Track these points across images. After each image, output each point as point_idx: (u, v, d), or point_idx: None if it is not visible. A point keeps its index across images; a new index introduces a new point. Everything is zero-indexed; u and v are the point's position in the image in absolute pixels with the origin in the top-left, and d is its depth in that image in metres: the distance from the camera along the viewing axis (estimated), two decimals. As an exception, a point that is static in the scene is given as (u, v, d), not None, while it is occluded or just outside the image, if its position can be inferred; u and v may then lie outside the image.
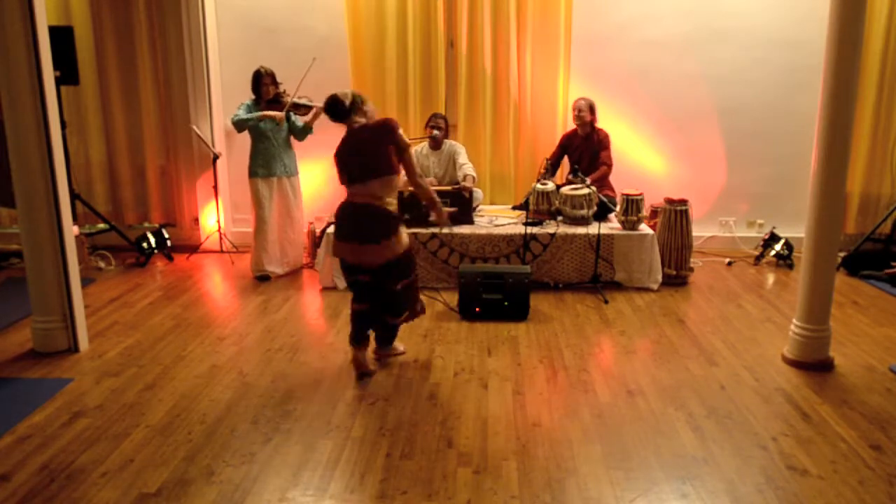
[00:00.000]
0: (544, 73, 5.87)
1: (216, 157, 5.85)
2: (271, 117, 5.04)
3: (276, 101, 5.14)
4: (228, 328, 4.23)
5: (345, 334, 4.11)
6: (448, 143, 5.51)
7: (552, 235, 4.95)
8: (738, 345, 3.97)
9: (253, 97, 5.15)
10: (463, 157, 5.41)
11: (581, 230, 4.99)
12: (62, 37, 5.18)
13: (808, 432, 2.97)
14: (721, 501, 2.49)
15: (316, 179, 6.13)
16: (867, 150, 5.85)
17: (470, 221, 5.19)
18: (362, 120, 3.44)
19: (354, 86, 5.91)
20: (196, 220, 6.19)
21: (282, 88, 5.19)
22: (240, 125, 5.04)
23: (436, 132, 5.35)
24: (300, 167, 5.41)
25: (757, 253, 5.80)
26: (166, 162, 6.21)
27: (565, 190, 5.16)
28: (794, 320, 3.68)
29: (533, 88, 5.90)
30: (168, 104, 6.04)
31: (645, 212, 5.19)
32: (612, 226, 5.12)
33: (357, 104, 3.42)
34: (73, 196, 5.23)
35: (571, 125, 5.64)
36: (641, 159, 6.07)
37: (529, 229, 4.94)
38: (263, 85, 5.08)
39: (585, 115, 5.42)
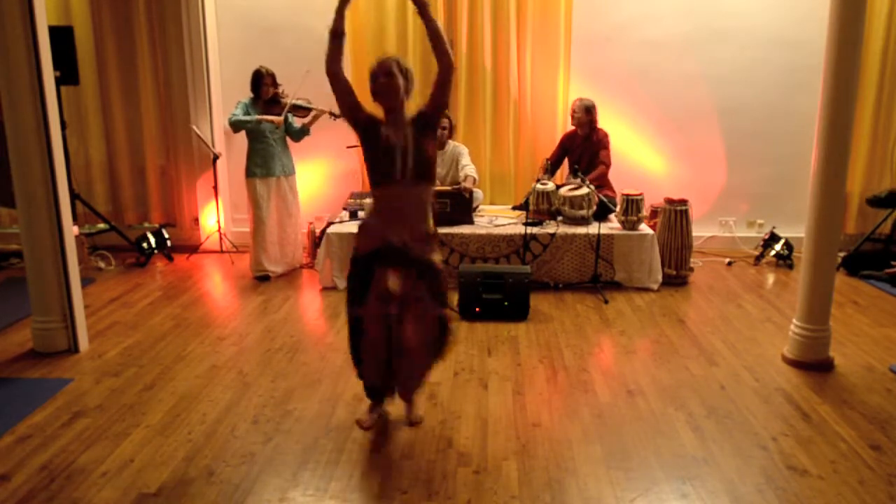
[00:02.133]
0: (544, 73, 5.87)
1: (216, 157, 5.85)
2: (269, 121, 5.04)
3: (275, 102, 5.13)
4: (228, 328, 4.23)
5: (344, 334, 4.10)
6: (452, 143, 5.52)
7: (552, 235, 4.95)
8: (738, 345, 3.97)
9: (251, 96, 5.15)
10: (466, 159, 5.42)
11: (581, 230, 4.99)
12: (62, 37, 5.17)
13: (808, 432, 2.97)
14: (721, 501, 2.49)
15: (315, 179, 6.13)
16: (867, 150, 5.85)
17: (470, 221, 5.19)
18: None
19: (354, 86, 5.89)
20: (196, 220, 6.18)
21: (281, 89, 5.19)
22: (237, 126, 5.04)
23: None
24: (298, 167, 5.41)
25: (757, 253, 5.79)
26: (166, 162, 6.21)
27: (565, 190, 5.16)
28: (794, 320, 3.67)
29: (533, 88, 5.90)
30: (168, 104, 6.04)
31: (645, 212, 5.19)
32: (612, 226, 5.12)
33: None
34: (73, 196, 5.23)
35: (571, 126, 5.64)
36: (641, 159, 6.07)
37: (529, 229, 4.94)
38: (263, 85, 5.08)
39: (581, 116, 5.42)
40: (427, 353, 2.88)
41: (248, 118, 5.00)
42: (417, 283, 2.78)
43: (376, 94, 2.80)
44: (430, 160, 2.79)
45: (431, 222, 2.87)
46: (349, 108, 2.81)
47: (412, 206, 2.78)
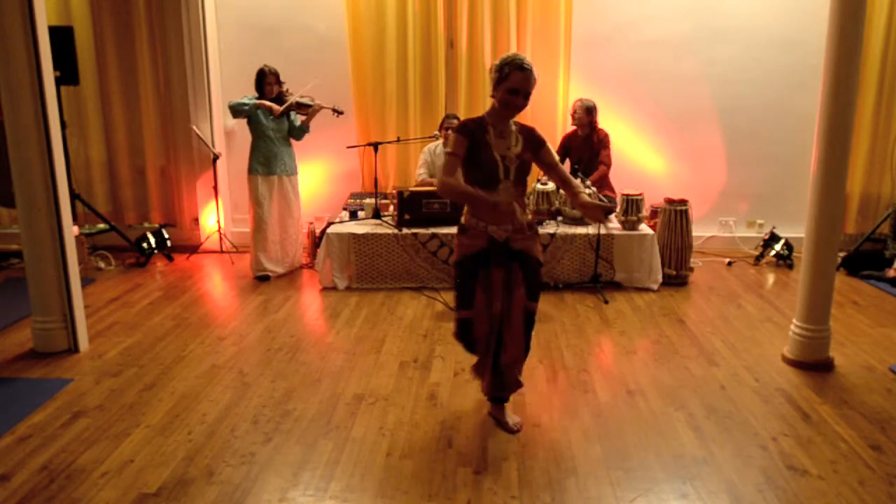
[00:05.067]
0: (544, 73, 5.86)
1: (216, 157, 5.85)
2: (268, 108, 5.03)
3: (279, 101, 5.13)
4: (228, 328, 4.23)
5: (345, 334, 4.12)
6: None
7: (552, 235, 4.95)
8: (738, 345, 3.97)
9: (256, 95, 5.15)
10: None
11: (581, 230, 4.99)
12: (62, 37, 5.17)
13: (808, 432, 2.97)
14: (721, 501, 2.49)
15: (315, 179, 6.13)
16: (867, 150, 5.85)
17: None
18: None
19: (354, 86, 5.91)
20: (196, 220, 6.19)
21: (285, 88, 5.19)
22: (235, 110, 5.02)
23: (436, 133, 5.40)
24: (299, 167, 5.41)
25: (757, 253, 5.79)
26: (166, 162, 6.21)
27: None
28: (794, 320, 3.67)
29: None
30: (168, 104, 6.04)
31: (645, 212, 5.19)
32: (612, 226, 5.12)
33: None
34: (73, 196, 5.23)
35: (571, 125, 5.65)
36: (641, 159, 6.07)
37: (529, 229, 4.94)
38: (267, 84, 5.08)
39: (581, 116, 5.43)
40: (522, 348, 2.95)
41: (246, 100, 4.99)
42: (517, 275, 2.86)
43: (507, 105, 2.79)
44: (528, 170, 2.90)
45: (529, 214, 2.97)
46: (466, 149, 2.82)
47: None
